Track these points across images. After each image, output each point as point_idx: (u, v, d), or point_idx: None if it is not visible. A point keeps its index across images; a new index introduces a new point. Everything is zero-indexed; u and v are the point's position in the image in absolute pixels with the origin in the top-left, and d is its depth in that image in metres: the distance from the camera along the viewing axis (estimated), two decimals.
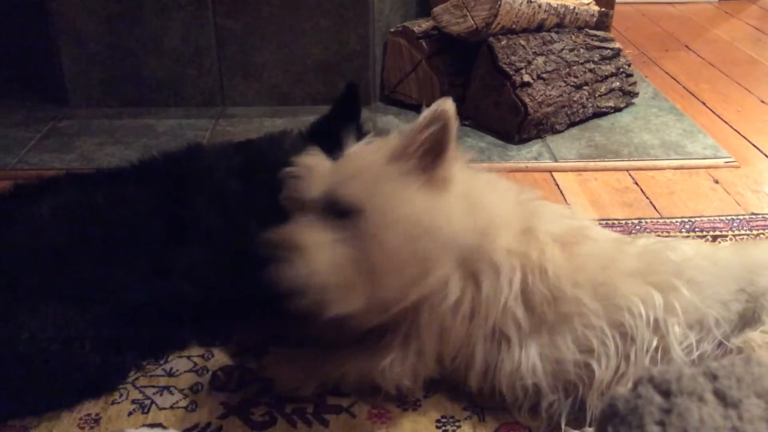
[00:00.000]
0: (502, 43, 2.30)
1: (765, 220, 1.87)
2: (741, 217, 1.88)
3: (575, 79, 2.39)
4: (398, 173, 1.07)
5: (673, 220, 1.87)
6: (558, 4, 2.47)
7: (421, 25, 2.49)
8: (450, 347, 1.17)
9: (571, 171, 2.15)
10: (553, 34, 2.47)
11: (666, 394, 0.71)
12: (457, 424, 1.22)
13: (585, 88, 2.42)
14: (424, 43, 2.44)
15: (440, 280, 1.11)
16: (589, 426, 1.16)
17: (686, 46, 3.45)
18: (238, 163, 1.44)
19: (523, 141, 2.29)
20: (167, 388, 1.29)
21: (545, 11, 2.42)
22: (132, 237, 1.30)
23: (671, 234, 1.80)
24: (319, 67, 2.51)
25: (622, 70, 2.58)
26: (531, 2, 2.35)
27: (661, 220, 1.87)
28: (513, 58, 2.28)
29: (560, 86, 2.34)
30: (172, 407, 1.25)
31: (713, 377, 0.71)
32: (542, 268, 1.14)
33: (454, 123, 1.05)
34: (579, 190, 2.04)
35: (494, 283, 1.13)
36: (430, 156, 1.06)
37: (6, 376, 1.17)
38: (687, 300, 1.14)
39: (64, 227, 1.28)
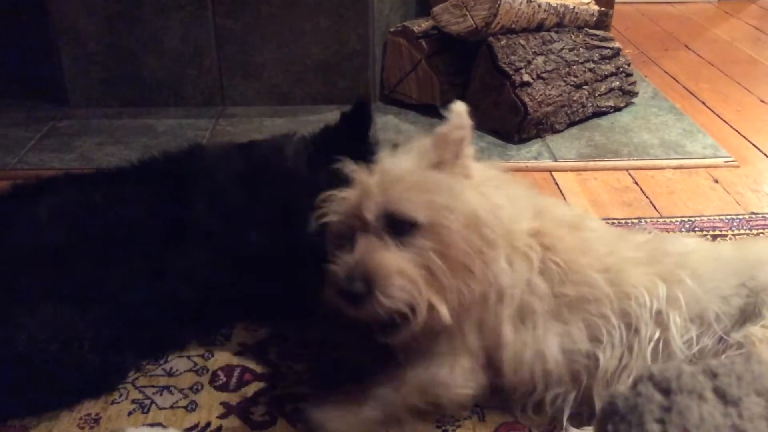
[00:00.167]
0: (502, 42, 2.30)
1: (765, 220, 1.87)
2: (741, 217, 1.88)
3: (575, 79, 2.39)
4: (442, 177, 1.10)
5: (673, 220, 1.87)
6: (558, 4, 2.46)
7: (421, 25, 2.49)
8: (488, 335, 1.17)
9: (571, 170, 2.15)
10: (553, 34, 2.47)
11: (666, 392, 0.71)
12: (457, 423, 1.22)
13: (585, 87, 2.42)
14: (423, 43, 2.44)
15: (501, 264, 1.13)
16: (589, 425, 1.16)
17: (686, 46, 3.45)
18: (239, 166, 1.44)
19: (522, 140, 2.29)
20: (167, 387, 1.29)
21: (545, 11, 2.42)
22: (131, 238, 1.30)
23: (671, 233, 1.80)
24: (319, 67, 2.51)
25: (621, 69, 2.58)
26: (531, 2, 2.35)
27: (660, 220, 1.87)
28: (513, 57, 2.28)
29: (560, 86, 2.34)
30: (172, 407, 1.25)
31: (713, 375, 0.71)
32: (554, 246, 1.18)
33: (469, 123, 1.11)
34: (579, 189, 2.04)
35: (518, 262, 1.16)
36: (458, 155, 1.12)
37: (5, 376, 1.17)
38: (690, 292, 1.15)
39: (63, 228, 1.28)
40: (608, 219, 1.86)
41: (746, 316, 1.14)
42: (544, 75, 2.31)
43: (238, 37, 2.46)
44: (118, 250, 1.29)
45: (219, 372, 1.33)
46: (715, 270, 1.19)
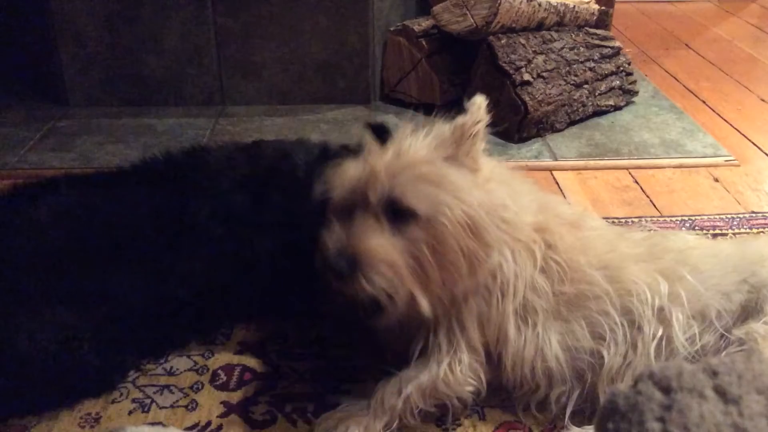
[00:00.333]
0: (502, 41, 2.30)
1: (765, 219, 1.87)
2: (741, 216, 1.88)
3: (575, 78, 2.39)
4: (455, 172, 1.11)
5: (673, 219, 1.87)
6: (558, 3, 2.46)
7: (421, 24, 2.49)
8: (491, 331, 1.18)
9: (571, 170, 2.15)
10: (553, 33, 2.46)
11: (666, 390, 0.71)
12: (457, 422, 1.21)
13: (585, 86, 2.42)
14: (423, 42, 2.44)
15: (491, 266, 1.14)
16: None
17: (686, 45, 3.45)
18: (244, 169, 1.43)
19: (523, 140, 2.29)
20: (167, 386, 1.29)
21: (545, 10, 2.42)
22: (132, 239, 1.30)
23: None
24: (319, 66, 2.51)
25: (622, 68, 2.58)
26: (531, 1, 2.35)
27: (661, 219, 1.87)
28: (513, 56, 2.28)
29: (560, 85, 2.34)
30: (172, 406, 1.25)
31: (713, 373, 0.71)
32: (555, 244, 1.19)
33: (486, 117, 1.12)
34: (579, 188, 2.04)
35: (523, 258, 1.17)
36: (472, 148, 1.12)
37: (6, 376, 1.17)
38: (691, 288, 1.15)
39: (64, 229, 1.27)
40: (608, 218, 1.86)
41: (747, 312, 1.14)
42: (544, 74, 2.31)
43: (238, 36, 2.45)
44: (119, 251, 1.28)
45: (219, 371, 1.33)
46: (716, 266, 1.19)
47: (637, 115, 2.53)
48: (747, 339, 1.09)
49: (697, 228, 1.82)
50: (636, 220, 1.86)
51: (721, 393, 0.69)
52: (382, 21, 2.52)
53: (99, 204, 1.33)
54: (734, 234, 1.80)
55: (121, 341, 1.27)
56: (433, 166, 1.10)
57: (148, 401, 1.26)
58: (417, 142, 1.13)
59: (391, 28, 2.53)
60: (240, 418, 1.22)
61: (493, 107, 1.15)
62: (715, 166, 2.18)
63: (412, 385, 1.17)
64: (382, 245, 1.07)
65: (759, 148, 2.32)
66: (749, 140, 2.37)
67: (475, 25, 2.29)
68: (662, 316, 1.15)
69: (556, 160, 2.19)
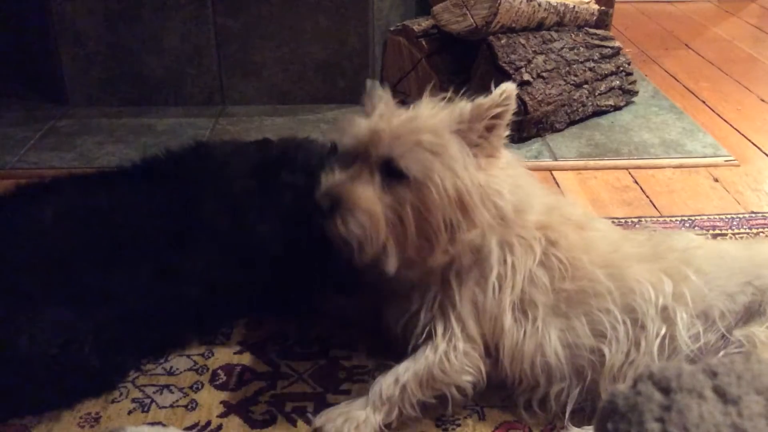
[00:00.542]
0: (502, 41, 2.30)
1: (765, 219, 1.87)
2: (741, 216, 1.88)
3: (575, 78, 2.39)
4: (457, 146, 1.13)
5: (673, 219, 1.87)
6: (558, 3, 2.46)
7: (421, 24, 2.49)
8: (487, 322, 1.19)
9: (571, 170, 2.15)
10: (553, 33, 2.47)
11: (666, 390, 0.71)
12: (457, 422, 1.22)
13: (585, 86, 2.42)
14: (423, 42, 2.44)
15: (472, 242, 1.16)
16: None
17: (686, 45, 3.45)
18: (255, 161, 1.44)
19: (522, 140, 2.29)
20: (167, 386, 1.29)
21: (545, 10, 2.42)
22: (136, 239, 1.30)
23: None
24: (319, 66, 2.51)
25: (621, 68, 2.58)
26: (531, 1, 2.35)
27: (661, 219, 1.87)
28: (513, 56, 2.28)
29: (560, 85, 2.34)
30: (172, 406, 1.25)
31: (713, 374, 0.71)
32: (557, 240, 1.21)
33: (514, 106, 1.15)
34: (579, 188, 2.04)
35: (522, 252, 1.19)
36: (489, 131, 1.15)
37: (6, 377, 1.17)
38: (696, 288, 1.16)
39: (67, 230, 1.27)
40: (608, 218, 1.85)
41: (751, 314, 1.15)
42: (544, 74, 2.31)
43: (238, 36, 2.45)
44: (121, 251, 1.28)
45: (219, 371, 1.33)
46: (722, 267, 1.19)
47: (637, 115, 2.53)
48: (746, 342, 1.09)
49: (696, 228, 1.82)
50: (636, 220, 1.86)
51: (721, 393, 0.70)
52: (382, 21, 2.52)
53: (101, 204, 1.33)
54: (734, 234, 1.80)
55: (121, 342, 1.27)
56: (437, 137, 1.13)
57: (147, 401, 1.26)
58: (432, 112, 1.17)
59: (391, 28, 2.53)
60: (240, 418, 1.22)
61: None
62: (715, 166, 2.18)
63: (409, 374, 1.18)
64: (366, 195, 1.12)
65: (759, 148, 2.32)
66: (749, 140, 2.38)
67: (475, 25, 2.29)
68: (666, 315, 1.15)
69: (556, 160, 2.19)
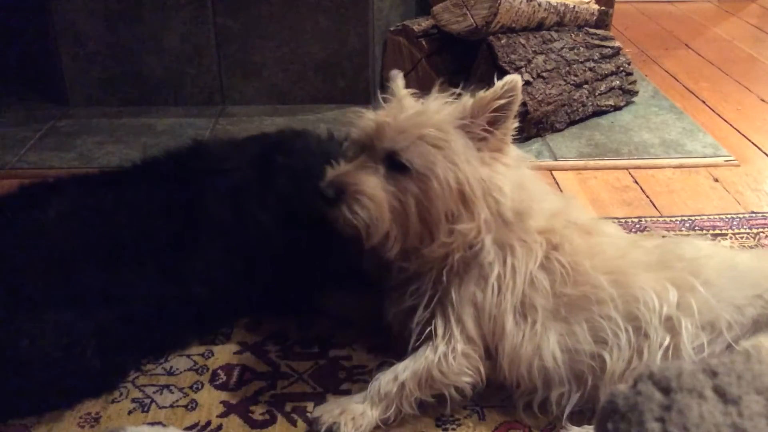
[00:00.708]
0: (502, 41, 2.30)
1: (765, 219, 1.87)
2: (741, 216, 1.88)
3: (575, 78, 2.39)
4: (461, 140, 1.15)
5: (673, 219, 1.87)
6: (558, 3, 2.46)
7: (421, 24, 2.49)
8: (486, 323, 1.19)
9: (571, 170, 2.15)
10: (553, 33, 2.46)
11: (666, 390, 0.71)
12: (457, 422, 1.22)
13: (585, 86, 2.42)
14: (423, 42, 2.44)
15: (466, 235, 1.16)
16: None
17: (686, 45, 3.45)
18: (254, 152, 1.45)
19: (522, 140, 2.29)
20: (167, 386, 1.29)
21: (545, 10, 2.42)
22: (137, 240, 1.30)
23: (671, 232, 1.80)
24: (319, 66, 2.51)
25: (621, 68, 2.57)
26: (531, 1, 2.35)
27: (661, 219, 1.87)
28: (513, 56, 2.28)
29: (560, 85, 2.34)
30: (172, 406, 1.25)
31: (713, 374, 0.71)
32: (561, 244, 1.21)
33: (519, 98, 1.16)
34: (579, 188, 2.04)
35: (522, 255, 1.19)
36: (493, 125, 1.16)
37: (7, 378, 1.16)
38: (703, 300, 1.15)
39: (68, 232, 1.27)
40: (608, 218, 1.86)
41: (759, 326, 1.14)
42: (544, 74, 2.31)
43: (238, 36, 2.45)
44: (123, 251, 1.28)
45: (219, 371, 1.33)
46: (732, 279, 1.18)
47: (637, 115, 2.53)
48: (754, 352, 1.08)
49: (696, 228, 1.82)
50: (636, 220, 1.86)
51: (721, 393, 0.70)
52: (382, 21, 2.52)
53: (103, 204, 1.33)
54: (734, 234, 1.80)
55: (122, 342, 1.27)
56: (440, 131, 1.14)
57: (147, 401, 1.26)
58: (437, 107, 1.19)
59: (391, 28, 2.53)
60: (240, 418, 1.22)
61: None
62: (715, 166, 2.18)
63: (408, 373, 1.19)
64: (370, 182, 1.14)
65: (759, 148, 2.32)
66: (749, 140, 2.37)
67: (475, 25, 2.29)
68: (670, 325, 1.14)
69: (556, 160, 2.19)
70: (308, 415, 1.22)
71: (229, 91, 2.54)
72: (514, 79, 1.14)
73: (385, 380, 1.19)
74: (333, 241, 1.25)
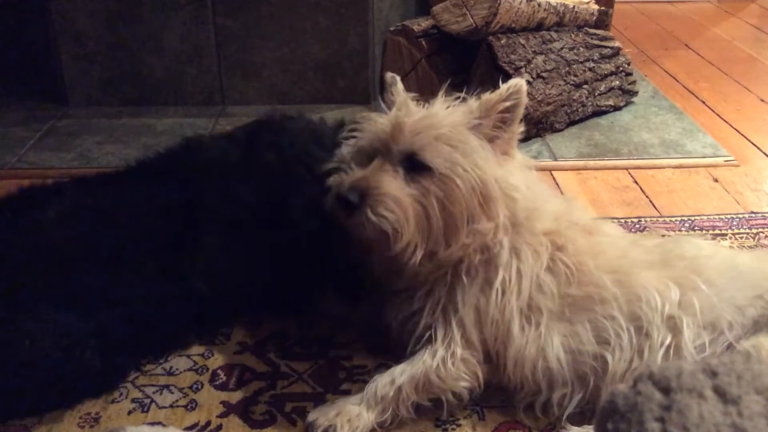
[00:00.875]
0: (502, 41, 2.30)
1: (764, 219, 1.87)
2: (740, 216, 1.88)
3: (575, 78, 2.39)
4: (475, 141, 1.15)
5: (673, 219, 1.87)
6: (557, 3, 2.46)
7: (421, 24, 2.49)
8: (489, 328, 1.19)
9: (571, 170, 2.15)
10: (553, 33, 2.47)
11: (666, 390, 0.71)
12: (457, 422, 1.22)
13: (584, 86, 2.42)
14: (423, 42, 2.44)
15: (485, 235, 1.17)
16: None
17: (686, 45, 3.45)
18: (247, 130, 1.47)
19: (522, 140, 2.27)
20: (167, 386, 1.29)
21: (545, 10, 2.42)
22: (137, 240, 1.30)
23: (670, 232, 1.80)
24: (319, 66, 2.51)
25: (621, 68, 2.58)
26: (530, 1, 2.35)
27: (660, 219, 1.87)
28: (513, 56, 2.28)
29: (560, 85, 2.34)
30: (171, 406, 1.25)
31: (713, 374, 0.71)
32: (565, 246, 1.21)
33: (525, 101, 1.16)
34: (579, 188, 2.04)
35: (529, 258, 1.19)
36: (499, 127, 1.17)
37: (7, 379, 1.16)
38: (705, 299, 1.15)
39: (70, 232, 1.27)
40: (608, 218, 1.86)
41: (759, 327, 1.14)
42: (543, 74, 2.31)
43: (238, 36, 2.45)
44: (124, 252, 1.28)
45: (219, 371, 1.33)
46: (733, 279, 1.18)
47: (637, 115, 2.53)
48: (754, 352, 1.08)
49: (696, 228, 1.82)
50: (635, 220, 1.86)
51: (721, 393, 0.70)
52: (382, 21, 2.52)
53: (103, 205, 1.33)
54: (734, 234, 1.80)
55: (122, 342, 1.27)
56: (455, 131, 1.15)
57: (147, 401, 1.26)
58: (446, 110, 1.19)
59: (391, 28, 2.53)
60: (240, 418, 1.22)
61: None
62: (715, 166, 2.18)
63: (405, 377, 1.18)
64: (393, 184, 1.13)
65: (758, 148, 2.32)
66: (749, 140, 2.38)
67: (474, 25, 2.29)
68: (672, 324, 1.14)
69: (556, 160, 2.19)
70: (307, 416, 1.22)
71: (229, 91, 2.54)
72: (519, 82, 1.15)
73: (382, 383, 1.18)
74: (333, 240, 1.25)
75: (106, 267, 1.26)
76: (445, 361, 1.17)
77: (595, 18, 2.66)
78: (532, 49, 2.34)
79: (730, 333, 1.14)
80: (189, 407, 1.25)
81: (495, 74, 2.27)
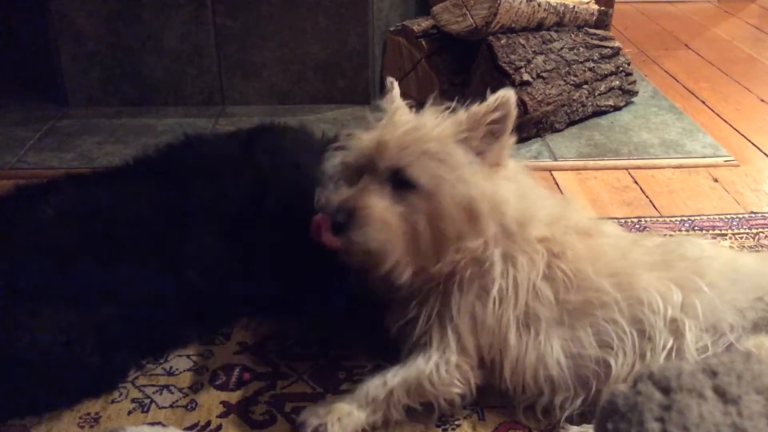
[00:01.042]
0: (502, 41, 2.30)
1: (764, 219, 1.87)
2: (740, 216, 1.88)
3: (575, 78, 2.39)
4: (463, 154, 1.13)
5: (673, 219, 1.87)
6: (557, 3, 2.46)
7: (421, 24, 2.49)
8: (485, 336, 1.18)
9: (571, 170, 2.15)
10: (553, 33, 2.47)
11: (666, 390, 0.71)
12: (457, 422, 1.22)
13: (584, 86, 2.42)
14: (423, 42, 2.44)
15: (475, 251, 1.15)
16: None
17: (686, 45, 3.45)
18: (241, 145, 1.47)
19: (522, 140, 2.29)
20: (167, 386, 1.29)
21: (545, 10, 2.42)
22: (136, 238, 1.30)
23: (670, 232, 1.80)
24: (319, 66, 2.51)
25: (621, 68, 2.58)
26: (530, 1, 2.35)
27: (660, 219, 1.87)
28: (512, 57, 2.28)
29: (560, 85, 2.34)
30: (171, 406, 1.25)
31: (713, 374, 0.71)
32: (563, 252, 1.19)
33: (514, 112, 1.15)
34: (579, 188, 2.04)
35: (524, 266, 1.18)
36: (489, 139, 1.15)
37: (6, 377, 1.17)
38: (707, 301, 1.14)
39: (68, 228, 1.28)
40: (608, 218, 1.86)
41: (759, 330, 1.13)
42: (543, 74, 2.31)
43: (238, 36, 2.45)
44: (123, 249, 1.28)
45: (219, 371, 1.33)
46: (734, 281, 1.17)
47: (637, 115, 2.53)
48: (756, 351, 1.08)
49: (696, 228, 1.82)
50: (635, 220, 1.86)
51: (721, 393, 0.70)
52: (382, 21, 2.52)
53: (101, 202, 1.33)
54: (733, 234, 1.80)
55: (122, 341, 1.27)
56: (442, 145, 1.13)
57: (147, 401, 1.26)
58: (434, 122, 1.17)
59: (391, 29, 2.53)
60: (239, 418, 1.22)
61: None
62: (715, 166, 2.18)
63: (397, 379, 1.18)
64: (380, 205, 1.11)
65: (758, 148, 2.32)
66: (749, 140, 2.38)
67: (474, 25, 2.29)
68: (674, 327, 1.13)
69: (556, 160, 2.19)
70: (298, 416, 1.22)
71: (229, 91, 2.54)
72: (507, 93, 1.13)
73: (374, 385, 1.18)
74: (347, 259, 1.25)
75: (105, 264, 1.26)
76: (438, 367, 1.17)
77: (595, 18, 2.66)
78: (532, 49, 2.34)
79: (732, 335, 1.13)
80: (189, 407, 1.25)
81: (495, 74, 2.27)
